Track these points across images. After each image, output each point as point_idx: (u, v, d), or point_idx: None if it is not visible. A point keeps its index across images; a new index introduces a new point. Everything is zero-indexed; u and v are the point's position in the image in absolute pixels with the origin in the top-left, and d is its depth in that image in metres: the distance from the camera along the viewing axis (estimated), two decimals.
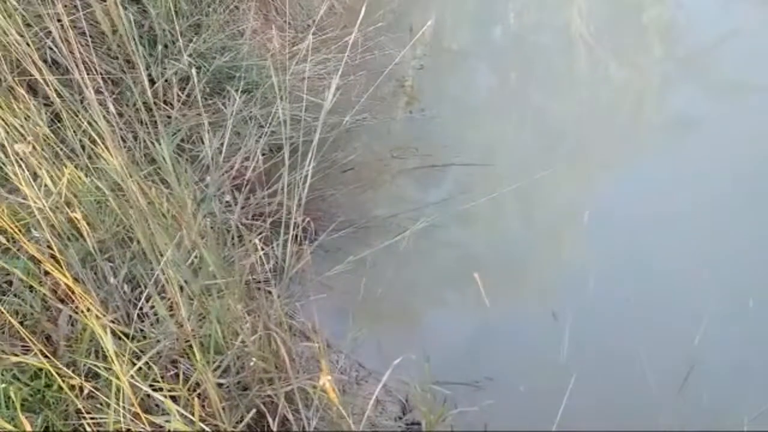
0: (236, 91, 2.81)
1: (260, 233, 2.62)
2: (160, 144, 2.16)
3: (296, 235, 2.49)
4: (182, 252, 1.96)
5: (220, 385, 1.71)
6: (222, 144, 2.78)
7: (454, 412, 1.81)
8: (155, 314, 1.86)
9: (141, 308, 1.92)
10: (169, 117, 2.79)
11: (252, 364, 1.66)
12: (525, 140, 2.92)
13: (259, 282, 2.06)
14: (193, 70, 2.25)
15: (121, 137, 2.46)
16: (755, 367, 2.02)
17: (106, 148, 1.89)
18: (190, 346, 1.84)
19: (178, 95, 2.74)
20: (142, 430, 1.58)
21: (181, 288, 1.77)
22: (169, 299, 1.82)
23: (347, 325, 2.36)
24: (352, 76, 3.03)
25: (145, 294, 1.90)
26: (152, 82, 2.82)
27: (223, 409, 1.67)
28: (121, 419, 1.59)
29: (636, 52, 3.35)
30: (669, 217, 2.38)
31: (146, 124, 2.58)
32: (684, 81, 3.08)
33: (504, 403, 1.89)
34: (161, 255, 1.79)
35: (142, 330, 1.87)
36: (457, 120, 3.15)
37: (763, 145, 2.57)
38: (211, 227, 1.91)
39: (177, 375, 1.78)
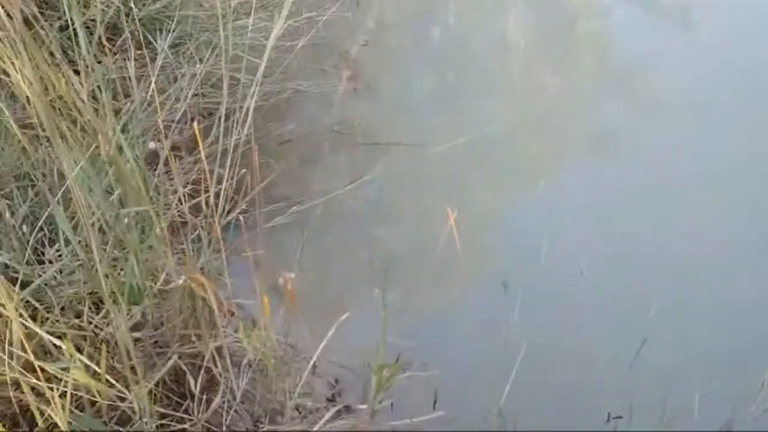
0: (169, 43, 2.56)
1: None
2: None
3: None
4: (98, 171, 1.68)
5: (134, 340, 1.46)
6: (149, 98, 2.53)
7: (404, 376, 1.63)
8: (59, 258, 1.59)
9: (43, 253, 1.64)
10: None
11: (171, 315, 1.42)
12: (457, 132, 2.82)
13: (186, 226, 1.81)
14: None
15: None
16: (706, 345, 1.98)
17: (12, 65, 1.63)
18: (100, 299, 1.59)
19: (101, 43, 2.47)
20: (33, 382, 1.31)
21: (92, 224, 1.50)
22: (78, 240, 1.56)
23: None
24: (291, 43, 2.82)
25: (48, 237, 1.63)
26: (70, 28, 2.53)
27: (135, 366, 1.42)
28: (7, 369, 1.32)
29: (568, 62, 3.40)
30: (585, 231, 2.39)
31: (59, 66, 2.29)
32: (611, 95, 3.15)
33: (453, 372, 1.77)
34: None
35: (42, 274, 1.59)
36: (399, 102, 3.02)
37: (679, 161, 2.64)
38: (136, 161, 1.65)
39: (81, 327, 1.52)
